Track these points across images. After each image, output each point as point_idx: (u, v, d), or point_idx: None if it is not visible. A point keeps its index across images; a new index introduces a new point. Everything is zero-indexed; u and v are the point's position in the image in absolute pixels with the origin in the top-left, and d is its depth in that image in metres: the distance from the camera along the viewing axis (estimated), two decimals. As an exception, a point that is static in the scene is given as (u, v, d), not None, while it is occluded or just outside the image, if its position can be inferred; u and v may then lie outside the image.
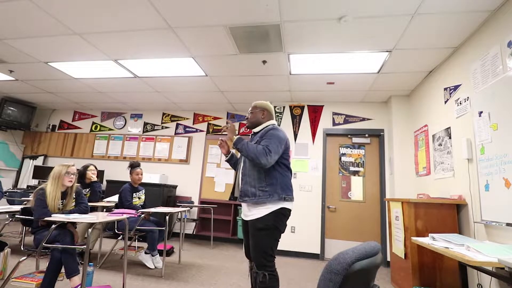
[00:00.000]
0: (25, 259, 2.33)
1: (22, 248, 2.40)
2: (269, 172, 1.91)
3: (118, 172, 5.77)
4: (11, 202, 4.52)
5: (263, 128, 2.07)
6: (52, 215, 2.33)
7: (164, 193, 5.09)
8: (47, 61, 3.97)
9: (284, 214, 1.90)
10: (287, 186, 1.95)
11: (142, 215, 3.29)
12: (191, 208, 5.30)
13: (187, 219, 5.19)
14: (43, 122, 6.68)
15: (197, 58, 3.60)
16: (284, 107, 4.98)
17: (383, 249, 4.01)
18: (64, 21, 2.96)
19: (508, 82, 2.14)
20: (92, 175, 3.76)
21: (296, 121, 4.89)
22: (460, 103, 2.88)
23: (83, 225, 3.09)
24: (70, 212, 2.54)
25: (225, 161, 2.21)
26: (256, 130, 2.10)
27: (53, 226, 2.20)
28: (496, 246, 1.92)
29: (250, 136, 2.18)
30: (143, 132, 6.13)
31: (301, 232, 4.46)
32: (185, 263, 3.62)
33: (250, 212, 1.92)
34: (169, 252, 4.07)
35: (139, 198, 3.74)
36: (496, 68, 2.32)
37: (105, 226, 3.88)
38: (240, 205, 2.16)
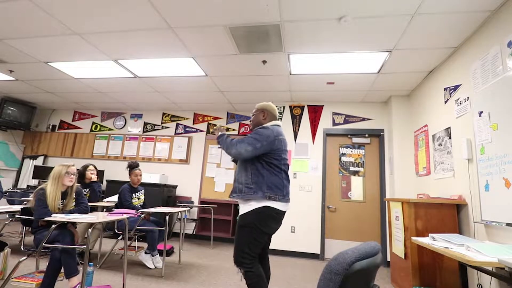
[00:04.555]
0: (25, 259, 2.33)
1: (22, 248, 2.40)
2: (255, 170, 1.94)
3: (118, 172, 5.77)
4: (11, 202, 4.52)
5: None
6: (52, 215, 2.33)
7: (164, 193, 5.09)
8: (47, 61, 3.97)
9: (268, 213, 1.87)
10: (275, 185, 1.92)
11: (142, 215, 3.29)
12: (191, 208, 5.30)
13: (187, 219, 5.19)
14: (43, 122, 6.68)
15: (197, 58, 3.60)
16: (284, 107, 4.97)
17: (383, 249, 4.01)
18: (64, 21, 2.96)
19: (508, 82, 2.14)
20: (91, 175, 3.76)
21: (296, 121, 4.89)
22: (460, 103, 2.88)
23: (83, 225, 3.09)
24: (70, 212, 2.54)
25: (232, 161, 2.28)
26: None
27: (53, 226, 2.20)
28: (496, 246, 1.92)
29: None
30: (143, 132, 6.13)
31: (301, 232, 4.45)
32: (185, 263, 3.62)
33: (240, 209, 1.99)
34: (169, 252, 4.07)
35: (138, 198, 3.74)
36: (496, 68, 2.32)
37: (105, 226, 3.87)
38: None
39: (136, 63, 3.85)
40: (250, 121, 2.20)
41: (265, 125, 2.08)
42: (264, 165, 1.95)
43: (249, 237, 1.85)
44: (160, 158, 5.90)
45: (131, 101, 5.63)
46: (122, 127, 6.25)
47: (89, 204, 2.87)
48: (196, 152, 5.79)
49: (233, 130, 5.75)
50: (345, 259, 0.73)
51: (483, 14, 2.45)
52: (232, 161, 2.26)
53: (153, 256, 3.35)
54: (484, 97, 2.41)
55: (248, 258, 1.83)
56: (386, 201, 3.75)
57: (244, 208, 1.92)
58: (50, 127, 6.60)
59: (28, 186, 5.95)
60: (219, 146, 2.10)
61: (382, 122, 4.60)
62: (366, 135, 4.65)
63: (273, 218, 1.90)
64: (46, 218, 2.22)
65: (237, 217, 2.00)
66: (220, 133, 2.11)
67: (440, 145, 3.29)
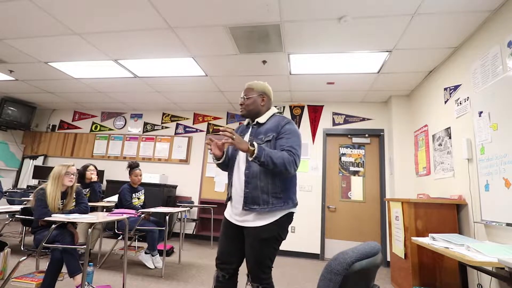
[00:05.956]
0: (25, 259, 2.33)
1: (22, 248, 2.40)
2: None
3: (118, 172, 5.77)
4: (11, 202, 4.52)
5: (270, 118, 1.75)
6: (52, 215, 2.33)
7: (164, 193, 5.09)
8: (47, 61, 3.97)
9: (289, 220, 1.67)
10: (295, 189, 1.70)
11: (142, 215, 3.29)
12: (191, 208, 5.30)
13: (187, 219, 5.18)
14: (43, 122, 6.67)
15: (197, 58, 3.60)
16: (284, 107, 4.98)
17: (383, 249, 4.01)
18: (64, 21, 2.96)
19: (508, 82, 2.14)
20: (92, 175, 3.75)
21: (296, 121, 4.89)
22: (460, 103, 2.88)
23: (84, 225, 3.09)
24: (70, 212, 2.54)
25: (218, 164, 1.78)
26: (261, 120, 1.74)
27: (53, 226, 2.20)
28: (496, 246, 1.92)
29: (246, 127, 1.83)
30: (143, 132, 6.12)
31: (301, 232, 4.45)
32: (185, 263, 3.62)
33: (252, 219, 1.60)
34: (169, 252, 4.07)
35: (138, 198, 3.74)
36: (496, 68, 2.32)
37: (105, 226, 3.87)
38: None
39: (136, 63, 3.85)
40: (242, 104, 1.76)
41: (279, 116, 1.75)
42: None
43: (272, 250, 1.61)
44: (160, 158, 5.90)
45: (131, 101, 5.63)
46: (122, 127, 6.25)
47: (89, 204, 2.87)
48: (196, 152, 5.79)
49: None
50: (345, 259, 0.73)
51: (483, 14, 2.45)
52: (219, 165, 1.78)
53: (153, 256, 3.35)
54: (484, 97, 2.41)
55: (269, 272, 1.61)
56: (386, 201, 3.75)
57: (265, 217, 1.58)
58: (50, 127, 6.59)
59: (28, 186, 5.95)
60: (256, 160, 1.49)
61: (382, 122, 4.60)
62: (366, 135, 4.65)
63: (290, 223, 1.70)
64: (46, 218, 2.22)
65: (247, 226, 1.62)
66: (256, 146, 1.49)
67: (440, 145, 3.29)
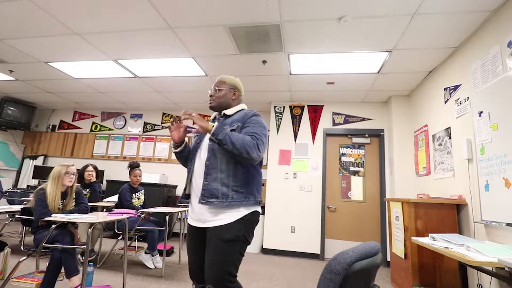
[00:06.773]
0: (25, 259, 2.33)
1: (22, 248, 2.40)
2: (246, 168, 1.53)
3: (118, 172, 5.77)
4: (11, 202, 4.52)
5: (238, 111, 1.68)
6: (52, 215, 2.33)
7: (164, 193, 5.09)
8: (47, 61, 3.97)
9: (256, 220, 1.54)
10: (260, 186, 1.60)
11: (142, 215, 3.29)
12: (191, 208, 5.29)
13: (187, 219, 5.18)
14: (43, 122, 6.68)
15: (197, 58, 3.60)
16: (284, 107, 4.98)
17: (383, 249, 4.00)
18: (64, 21, 2.96)
19: (508, 82, 2.14)
20: (89, 176, 3.74)
21: (296, 121, 4.89)
22: (460, 103, 2.88)
23: (84, 225, 3.09)
24: (70, 212, 2.54)
25: (175, 152, 1.69)
26: (228, 112, 1.67)
27: (53, 226, 2.20)
28: (496, 246, 1.92)
29: (212, 121, 1.74)
30: (143, 132, 6.12)
31: (301, 232, 4.45)
32: (185, 263, 3.62)
33: (213, 216, 1.47)
34: (169, 252, 4.07)
35: (138, 198, 3.74)
36: (496, 68, 2.32)
37: (105, 226, 3.87)
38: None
39: (136, 63, 3.85)
40: (212, 96, 1.69)
41: (248, 110, 1.70)
42: None
43: (237, 254, 1.45)
44: (160, 158, 5.90)
45: (131, 101, 5.63)
46: (122, 127, 6.25)
47: (89, 204, 2.86)
48: (196, 152, 5.78)
49: (233, 130, 5.74)
50: (345, 259, 0.73)
51: (483, 14, 2.45)
52: (177, 152, 1.69)
53: (153, 256, 3.35)
54: (484, 97, 2.41)
55: (234, 280, 1.44)
56: (386, 201, 3.75)
57: (229, 215, 1.46)
58: (50, 127, 6.60)
59: (28, 186, 5.95)
60: (218, 141, 1.43)
61: (382, 122, 4.60)
62: (366, 135, 4.65)
63: (256, 223, 1.55)
64: (46, 218, 2.22)
65: (208, 227, 1.48)
66: (214, 124, 1.49)
67: (440, 145, 3.29)
